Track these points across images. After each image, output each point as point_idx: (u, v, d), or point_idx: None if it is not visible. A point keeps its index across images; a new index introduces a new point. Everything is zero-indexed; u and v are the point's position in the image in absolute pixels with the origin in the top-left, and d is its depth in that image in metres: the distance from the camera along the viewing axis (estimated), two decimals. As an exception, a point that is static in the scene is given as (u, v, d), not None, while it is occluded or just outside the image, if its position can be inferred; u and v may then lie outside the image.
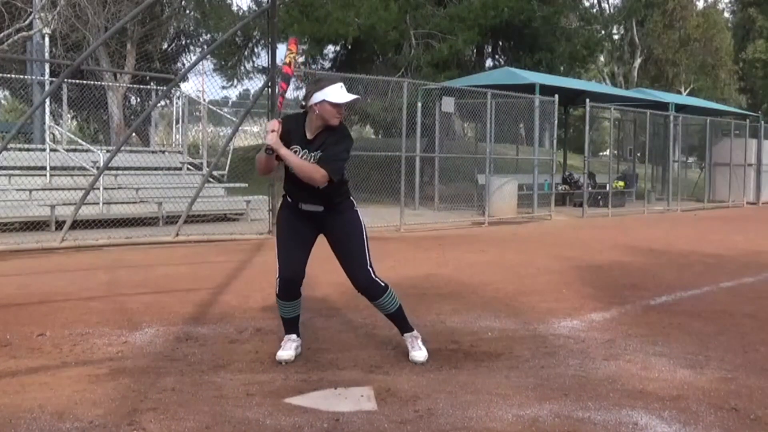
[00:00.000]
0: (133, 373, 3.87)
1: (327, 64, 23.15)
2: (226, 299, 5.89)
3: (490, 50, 24.91)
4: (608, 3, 36.66)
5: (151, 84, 16.60)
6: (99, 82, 17.27)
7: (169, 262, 8.09)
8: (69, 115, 18.91)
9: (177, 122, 15.94)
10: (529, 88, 15.75)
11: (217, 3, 21.62)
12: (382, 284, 4.05)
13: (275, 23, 10.61)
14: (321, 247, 4.12)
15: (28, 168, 11.48)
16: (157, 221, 11.52)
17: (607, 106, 18.50)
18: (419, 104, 14.67)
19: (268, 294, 5.57)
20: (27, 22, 14.66)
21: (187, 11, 22.97)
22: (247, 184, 13.61)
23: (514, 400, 3.54)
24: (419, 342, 4.20)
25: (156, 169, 13.54)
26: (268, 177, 4.00)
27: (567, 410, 3.41)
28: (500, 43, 24.49)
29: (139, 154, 13.75)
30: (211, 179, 12.56)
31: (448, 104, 15.06)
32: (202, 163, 14.43)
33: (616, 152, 24.05)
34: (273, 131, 3.80)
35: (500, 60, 24.48)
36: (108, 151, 12.01)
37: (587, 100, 16.66)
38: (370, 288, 4.04)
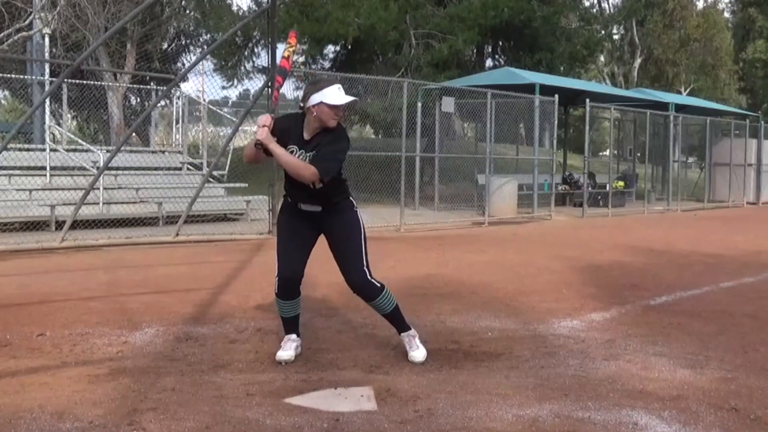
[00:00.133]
0: (133, 373, 3.87)
1: (327, 64, 23.14)
2: (226, 299, 5.89)
3: (490, 50, 24.91)
4: (608, 3, 36.70)
5: (151, 84, 16.57)
6: (99, 82, 17.26)
7: (169, 262, 8.09)
8: (69, 115, 18.91)
9: (177, 122, 15.93)
10: (529, 88, 15.75)
11: (217, 3, 21.60)
12: (378, 285, 4.05)
13: (275, 23, 10.62)
14: (321, 248, 4.13)
15: (28, 168, 11.48)
16: (157, 221, 11.52)
17: (607, 106, 18.51)
18: (419, 104, 14.67)
19: (268, 294, 5.57)
20: (27, 22, 14.66)
21: (187, 11, 22.96)
22: (247, 184, 13.61)
23: (514, 400, 3.54)
24: (416, 341, 4.20)
25: (156, 169, 13.54)
26: (256, 164, 4.02)
27: (567, 410, 3.41)
28: (500, 43, 24.49)
29: (139, 154, 13.75)
30: (211, 179, 12.56)
31: (448, 104, 15.06)
32: (202, 163, 14.43)
33: (616, 152, 24.05)
34: (264, 126, 3.81)
35: (500, 60, 24.48)
36: (108, 151, 12.01)
37: (587, 100, 16.66)
38: (365, 289, 4.04)
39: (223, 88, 24.18)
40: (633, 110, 20.75)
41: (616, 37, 36.32)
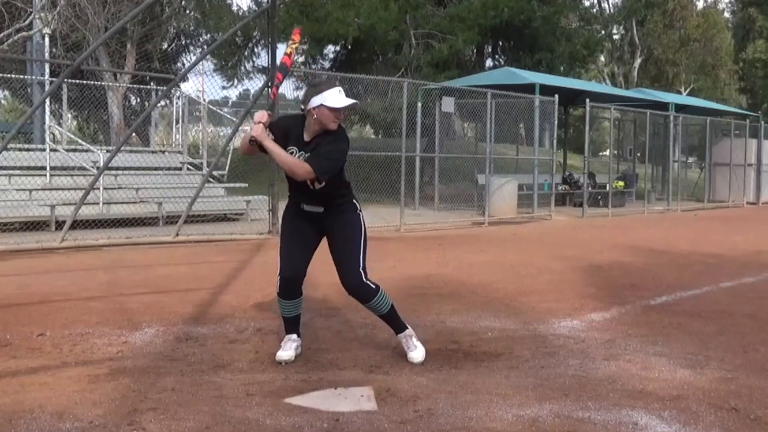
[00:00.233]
0: (133, 373, 3.87)
1: (327, 64, 23.14)
2: (226, 299, 5.89)
3: (490, 50, 24.91)
4: (608, 3, 36.70)
5: (151, 84, 16.57)
6: (99, 82, 17.26)
7: (169, 262, 8.09)
8: (69, 115, 18.91)
9: (177, 122, 15.93)
10: (529, 88, 15.75)
11: (217, 3, 21.61)
12: (373, 287, 4.03)
13: (275, 23, 10.62)
14: (321, 248, 4.13)
15: (28, 168, 11.48)
16: (157, 221, 11.52)
17: (607, 106, 18.51)
18: (419, 104, 14.67)
19: (268, 294, 5.58)
20: (27, 22, 14.66)
21: (187, 11, 22.96)
22: (247, 184, 13.61)
23: (514, 400, 3.54)
24: (414, 340, 4.19)
25: (156, 169, 13.54)
26: (252, 156, 4.01)
27: (567, 410, 3.41)
28: (500, 43, 24.48)
29: (139, 154, 13.76)
30: (211, 179, 12.56)
31: (448, 104, 15.06)
32: (202, 163, 14.43)
33: (616, 152, 24.05)
34: (260, 122, 3.80)
35: (500, 60, 24.48)
36: (108, 151, 12.01)
37: (587, 100, 16.66)
38: (360, 290, 4.02)
39: (223, 88, 24.23)
40: (633, 110, 20.76)
41: (616, 37, 36.32)
